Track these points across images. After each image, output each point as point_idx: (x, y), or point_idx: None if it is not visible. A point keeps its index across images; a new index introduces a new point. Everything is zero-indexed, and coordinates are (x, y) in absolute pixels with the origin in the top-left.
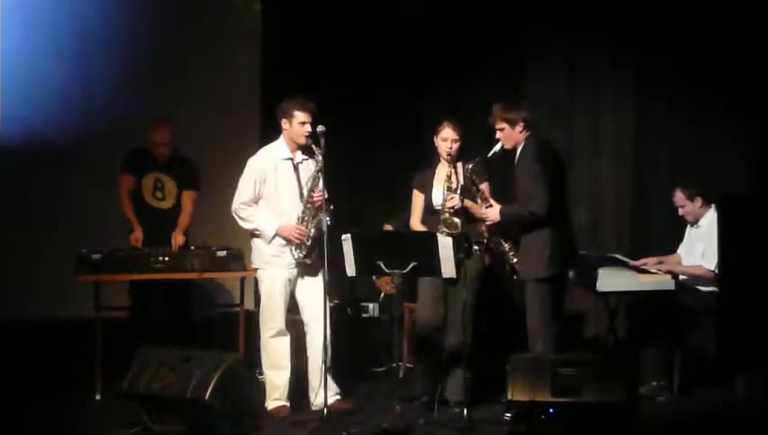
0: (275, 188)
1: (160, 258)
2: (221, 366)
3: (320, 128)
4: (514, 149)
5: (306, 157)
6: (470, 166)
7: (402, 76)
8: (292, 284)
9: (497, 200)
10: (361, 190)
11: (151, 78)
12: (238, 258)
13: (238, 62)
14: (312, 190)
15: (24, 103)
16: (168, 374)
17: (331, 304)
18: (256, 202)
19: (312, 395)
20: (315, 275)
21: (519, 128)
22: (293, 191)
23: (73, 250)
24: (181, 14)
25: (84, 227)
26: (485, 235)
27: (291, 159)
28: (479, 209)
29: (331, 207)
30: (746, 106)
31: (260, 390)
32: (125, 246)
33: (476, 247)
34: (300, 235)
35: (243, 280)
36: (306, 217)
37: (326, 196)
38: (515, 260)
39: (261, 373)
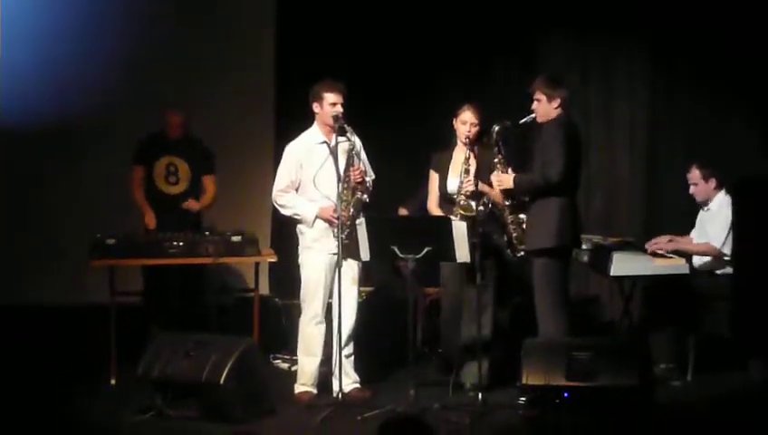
0: (313, 172)
1: (175, 243)
2: (236, 351)
3: (334, 111)
4: (541, 125)
5: (343, 139)
6: (497, 128)
7: (416, 62)
8: (333, 269)
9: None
10: (376, 174)
11: (165, 67)
12: (253, 243)
13: (253, 51)
14: (347, 169)
15: (38, 89)
16: (183, 359)
17: (367, 290)
18: (296, 189)
19: (335, 382)
20: (353, 259)
21: (555, 104)
22: (331, 174)
23: (88, 235)
24: (195, 3)
25: (99, 211)
26: (492, 199)
27: (326, 142)
28: (493, 190)
29: (369, 186)
30: (762, 93)
31: (274, 374)
32: (140, 231)
33: (481, 208)
34: (340, 215)
35: (257, 265)
36: (345, 198)
37: (365, 174)
38: (515, 234)
39: (276, 358)
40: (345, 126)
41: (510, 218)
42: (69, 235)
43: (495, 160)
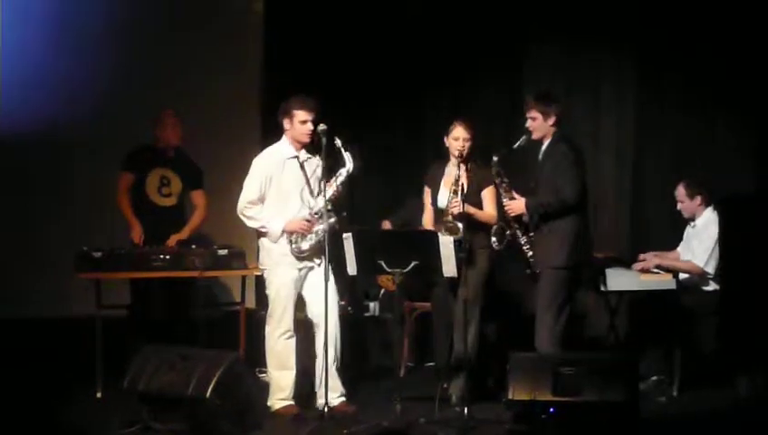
0: (281, 186)
1: (161, 256)
2: (222, 364)
3: (321, 126)
4: (537, 142)
5: (310, 155)
6: (495, 159)
7: (403, 75)
8: (300, 283)
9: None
10: (361, 188)
11: (153, 77)
12: (240, 257)
13: (240, 61)
14: (321, 183)
15: (22, 99)
16: (169, 372)
17: (342, 304)
18: (262, 201)
19: (319, 395)
20: (322, 274)
21: (551, 121)
22: (300, 189)
23: (74, 248)
24: (183, 13)
25: (85, 224)
26: (513, 228)
27: (296, 157)
28: (479, 212)
29: (343, 212)
30: (748, 104)
31: (261, 388)
32: (126, 243)
33: (495, 239)
34: (308, 227)
35: (244, 278)
36: (319, 213)
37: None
38: (530, 254)
39: (262, 372)
40: (340, 145)
41: (523, 240)
42: (55, 247)
43: (501, 190)
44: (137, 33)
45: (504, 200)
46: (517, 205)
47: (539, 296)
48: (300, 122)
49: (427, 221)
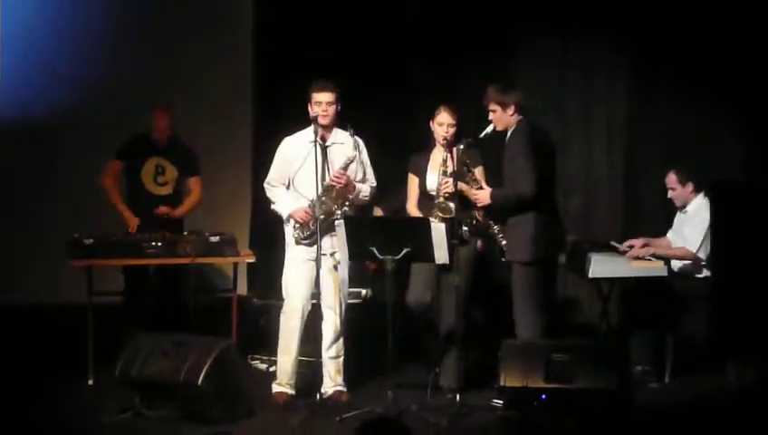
0: (300, 170)
1: (153, 243)
2: (214, 351)
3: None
4: (506, 132)
5: (343, 141)
6: (461, 147)
7: (393, 63)
8: (313, 270)
9: (490, 184)
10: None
11: (144, 64)
12: (232, 243)
13: (231, 52)
14: (324, 172)
15: (12, 87)
16: (161, 359)
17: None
18: (285, 184)
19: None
20: (332, 264)
21: (510, 111)
22: (309, 174)
23: (65, 235)
24: (173, 5)
25: (77, 211)
26: (478, 217)
27: (316, 141)
28: (471, 191)
29: (363, 195)
30: (738, 95)
31: (253, 375)
32: (118, 230)
33: (466, 229)
34: (306, 216)
35: (236, 265)
36: (324, 201)
37: (355, 181)
38: (504, 242)
39: (254, 359)
40: (355, 137)
41: (497, 229)
42: (46, 234)
43: (467, 180)
44: (126, 20)
45: (472, 190)
46: (483, 195)
47: (513, 289)
48: (315, 104)
49: (411, 208)
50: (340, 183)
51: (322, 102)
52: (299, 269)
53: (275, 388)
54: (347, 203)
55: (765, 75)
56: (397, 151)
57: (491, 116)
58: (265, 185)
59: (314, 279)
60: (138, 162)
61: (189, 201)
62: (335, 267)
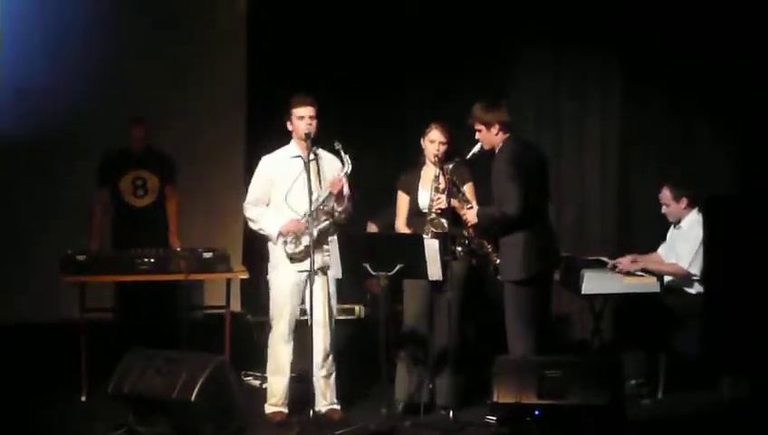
0: (283, 187)
1: (146, 260)
2: (207, 368)
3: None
4: (494, 151)
5: (322, 156)
6: (449, 167)
7: (387, 77)
8: (302, 287)
9: (481, 202)
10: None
11: (138, 80)
12: (224, 260)
13: (224, 63)
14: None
15: (9, 102)
16: (154, 376)
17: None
18: (266, 203)
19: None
20: (325, 279)
21: (495, 130)
22: (302, 189)
23: (58, 251)
24: (166, 15)
25: (70, 227)
26: (471, 235)
27: (300, 156)
28: (463, 209)
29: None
30: (731, 107)
31: (246, 392)
32: (109, 247)
33: (459, 249)
34: (300, 225)
35: (229, 282)
36: (314, 216)
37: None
38: (498, 261)
39: (247, 375)
40: (342, 153)
41: (490, 247)
42: (39, 250)
43: (455, 199)
44: (122, 36)
45: (462, 209)
46: (471, 214)
47: (506, 309)
48: (297, 119)
49: (401, 226)
50: (335, 189)
51: (305, 116)
52: (286, 293)
53: (268, 408)
54: (334, 214)
55: (761, 86)
56: (390, 168)
57: (477, 135)
58: (246, 205)
59: (302, 296)
60: (114, 180)
61: (173, 215)
62: (326, 281)
